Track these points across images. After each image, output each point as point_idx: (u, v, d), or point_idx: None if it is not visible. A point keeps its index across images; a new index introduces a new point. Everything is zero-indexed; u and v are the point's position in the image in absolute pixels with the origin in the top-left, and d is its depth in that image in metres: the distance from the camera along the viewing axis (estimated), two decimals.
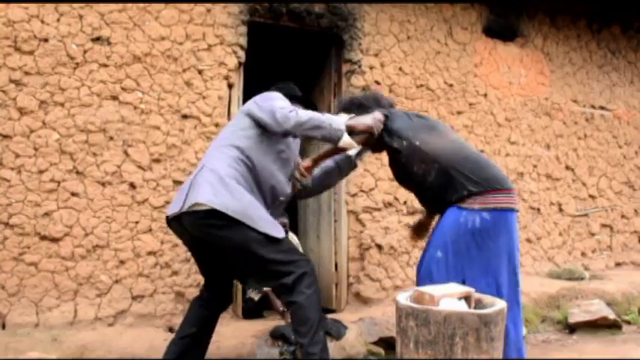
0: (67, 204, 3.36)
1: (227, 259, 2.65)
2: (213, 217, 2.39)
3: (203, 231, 2.47)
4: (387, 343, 3.42)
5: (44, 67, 3.33)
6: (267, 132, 2.62)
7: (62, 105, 3.37)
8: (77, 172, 3.39)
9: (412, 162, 2.68)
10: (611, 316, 3.95)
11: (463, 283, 2.43)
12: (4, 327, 3.18)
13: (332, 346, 3.15)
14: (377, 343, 3.42)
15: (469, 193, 2.56)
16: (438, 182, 2.62)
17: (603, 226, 5.54)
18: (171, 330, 3.41)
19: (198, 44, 3.73)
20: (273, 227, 2.51)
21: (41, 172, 3.31)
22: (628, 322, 4.14)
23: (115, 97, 3.49)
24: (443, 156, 2.62)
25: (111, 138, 3.47)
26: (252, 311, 3.99)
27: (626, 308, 4.29)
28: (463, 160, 2.61)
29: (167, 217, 2.66)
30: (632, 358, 2.87)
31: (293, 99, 2.82)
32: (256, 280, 2.64)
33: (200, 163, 2.65)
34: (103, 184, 3.45)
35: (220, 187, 2.44)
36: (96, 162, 3.43)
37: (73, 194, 3.38)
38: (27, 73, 3.30)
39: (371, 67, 4.32)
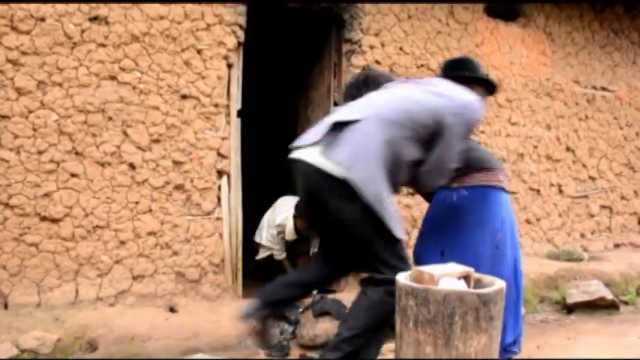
0: (66, 185, 3.36)
1: (333, 229, 2.37)
2: (346, 189, 2.11)
3: (326, 195, 2.17)
4: None
5: (41, 46, 3.30)
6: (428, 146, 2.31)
7: (60, 85, 3.35)
8: (76, 153, 3.38)
9: None
10: (609, 296, 3.97)
11: (442, 254, 2.61)
12: (6, 307, 3.20)
13: (332, 325, 3.18)
14: None
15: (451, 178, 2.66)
16: None
17: (603, 207, 5.55)
18: (172, 310, 3.44)
19: (197, 24, 3.69)
20: (398, 226, 2.23)
21: (40, 152, 3.30)
22: (625, 303, 4.17)
23: (113, 77, 3.47)
24: None
25: (110, 118, 3.45)
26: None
27: (624, 289, 4.32)
28: None
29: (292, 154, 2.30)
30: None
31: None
32: (348, 262, 2.43)
33: (359, 112, 2.23)
34: (103, 165, 3.44)
35: (370, 162, 2.13)
36: (95, 142, 3.42)
37: (73, 175, 3.37)
38: (24, 53, 3.27)
39: (371, 47, 4.28)
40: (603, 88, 5.56)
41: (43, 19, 3.30)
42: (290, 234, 4.03)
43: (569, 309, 3.96)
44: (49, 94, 3.32)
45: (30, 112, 3.28)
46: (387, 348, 3.03)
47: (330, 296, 3.57)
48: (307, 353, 3.09)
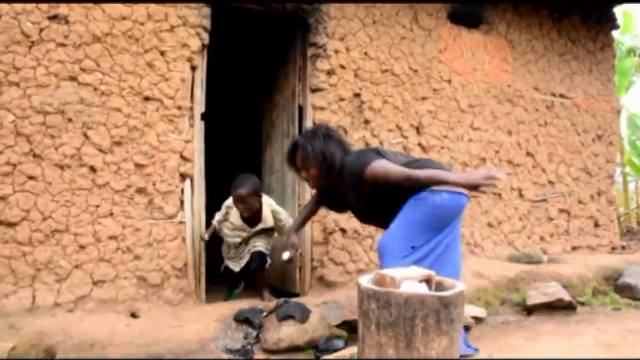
0: (23, 187, 3.26)
1: None
2: None
3: None
4: (350, 326, 3.45)
5: None
6: None
7: (17, 85, 3.25)
8: (34, 155, 3.29)
9: None
10: (567, 297, 4.08)
11: (412, 248, 2.91)
12: None
13: (295, 329, 3.17)
14: (340, 326, 3.46)
15: None
16: None
17: (561, 211, 5.70)
18: (133, 315, 3.37)
19: (161, 25, 3.64)
20: None
21: None
22: (582, 304, 4.30)
23: (73, 78, 3.39)
24: None
25: (70, 120, 3.37)
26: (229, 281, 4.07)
27: (581, 290, 4.45)
28: None
29: None
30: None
31: None
32: None
33: None
34: (62, 168, 3.36)
35: None
36: (54, 144, 3.34)
37: (30, 177, 3.28)
38: None
39: (336, 51, 4.31)
40: (562, 95, 5.73)
41: None
42: (236, 217, 3.94)
43: (529, 310, 4.05)
44: (5, 94, 3.22)
45: None
46: (349, 351, 3.04)
47: (294, 300, 3.57)
48: (271, 357, 3.08)
